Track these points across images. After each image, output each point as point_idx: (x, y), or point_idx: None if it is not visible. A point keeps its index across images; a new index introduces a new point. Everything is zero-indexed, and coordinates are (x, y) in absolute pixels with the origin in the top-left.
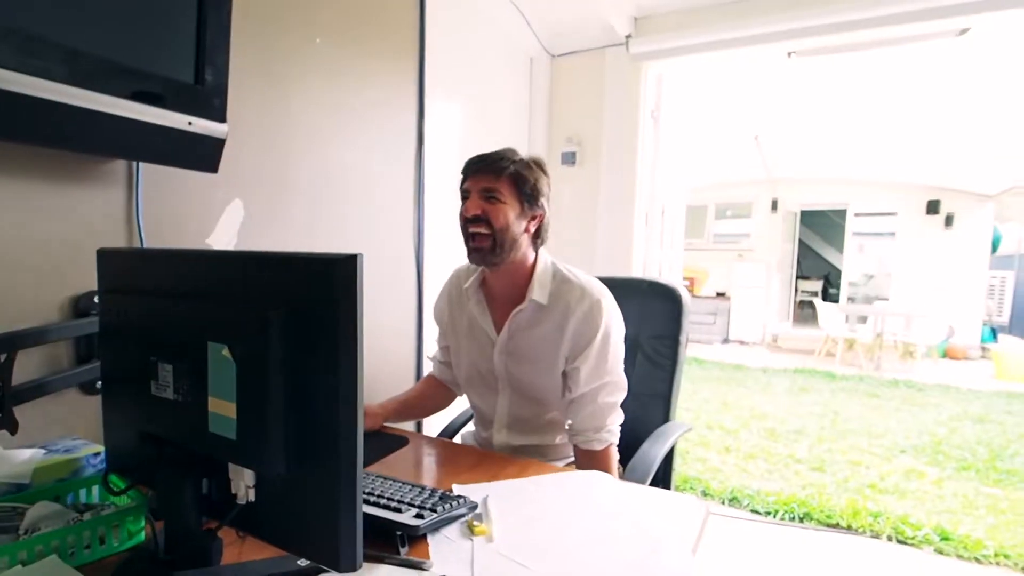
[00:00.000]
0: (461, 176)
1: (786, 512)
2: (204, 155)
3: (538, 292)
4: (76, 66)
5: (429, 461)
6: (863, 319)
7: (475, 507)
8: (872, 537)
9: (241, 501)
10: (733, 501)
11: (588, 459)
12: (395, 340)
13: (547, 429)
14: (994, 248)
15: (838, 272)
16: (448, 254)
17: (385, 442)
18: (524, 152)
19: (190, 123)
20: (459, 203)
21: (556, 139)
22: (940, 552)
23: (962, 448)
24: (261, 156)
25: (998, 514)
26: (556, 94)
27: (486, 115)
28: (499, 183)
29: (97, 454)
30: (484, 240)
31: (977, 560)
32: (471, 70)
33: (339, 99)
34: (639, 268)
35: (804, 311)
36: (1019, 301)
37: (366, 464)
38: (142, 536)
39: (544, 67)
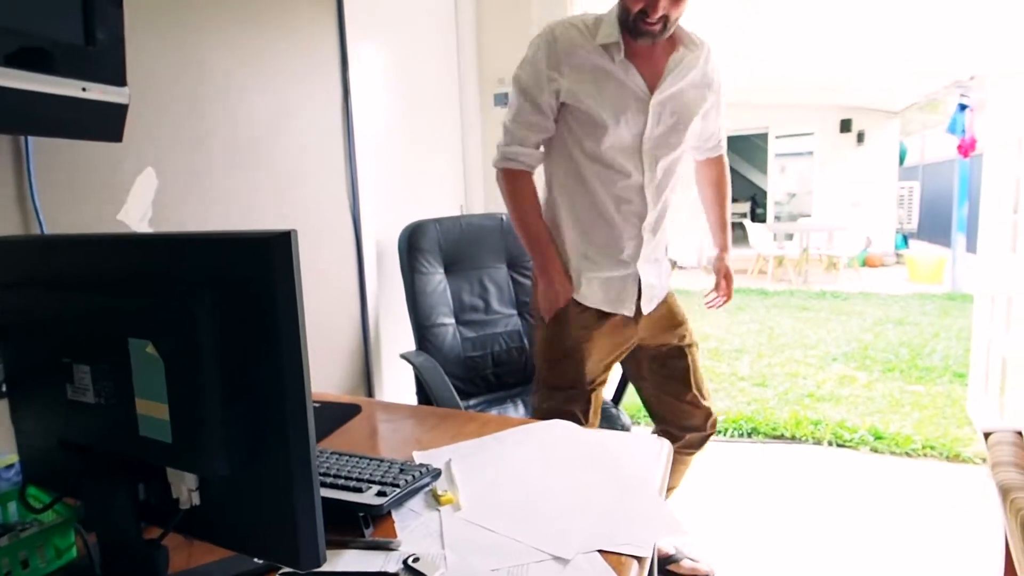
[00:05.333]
0: None
1: (735, 429)
2: (104, 123)
3: (687, 39)
4: None
5: (385, 429)
6: (789, 236)
7: (438, 474)
8: (814, 444)
9: (185, 506)
10: None
11: (720, 164)
12: (335, 312)
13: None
14: (901, 161)
15: (764, 193)
16: (389, 212)
17: (335, 413)
18: (456, 94)
19: (84, 89)
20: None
21: (487, 80)
22: (875, 451)
23: (886, 351)
24: (173, 119)
25: (922, 409)
26: (484, 34)
27: (413, 59)
28: None
29: (10, 466)
30: (656, 24)
31: (908, 454)
32: (393, 11)
33: (255, 51)
34: None
35: (735, 232)
36: (925, 208)
37: (316, 440)
38: (73, 553)
39: (469, 5)
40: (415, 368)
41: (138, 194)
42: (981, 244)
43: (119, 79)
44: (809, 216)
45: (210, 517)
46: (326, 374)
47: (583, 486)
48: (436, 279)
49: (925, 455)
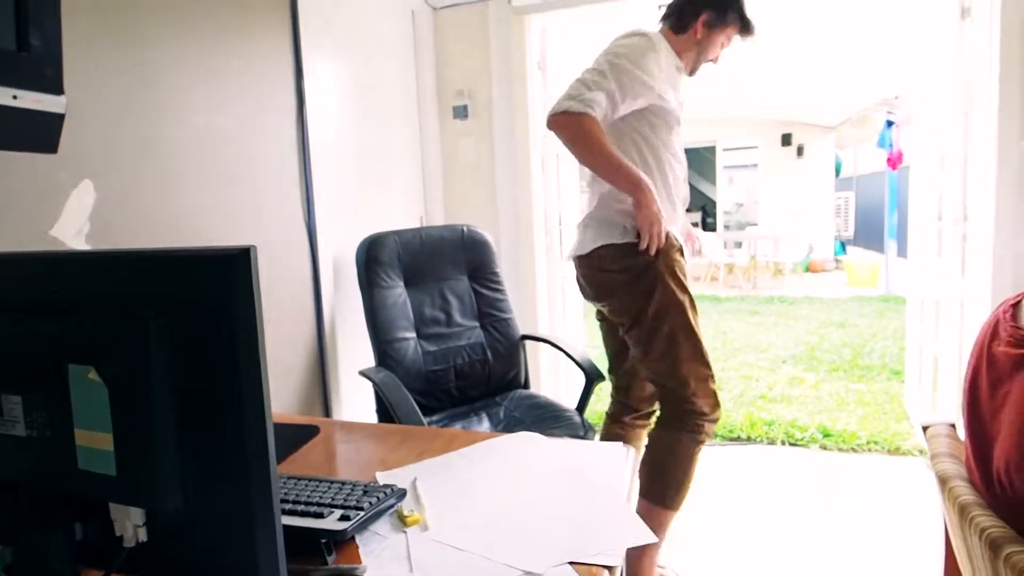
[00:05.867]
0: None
1: None
2: (38, 133)
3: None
4: None
5: (346, 449)
6: (739, 244)
7: (403, 494)
8: (768, 444)
9: (129, 543)
10: None
11: None
12: (290, 329)
13: None
14: (837, 173)
15: (713, 203)
16: (347, 225)
17: (291, 435)
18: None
19: (15, 96)
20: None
21: (446, 93)
22: (824, 448)
23: (831, 352)
24: (116, 129)
25: (865, 406)
26: (442, 48)
27: (370, 71)
28: None
29: None
30: None
31: (853, 450)
32: (350, 23)
33: (204, 59)
34: (540, 215)
35: None
36: (860, 217)
37: (280, 459)
38: None
39: (427, 20)
40: (375, 385)
41: (74, 208)
42: (911, 250)
43: (55, 87)
44: (756, 225)
45: (159, 554)
46: (280, 394)
47: (551, 498)
48: (396, 292)
49: (869, 450)
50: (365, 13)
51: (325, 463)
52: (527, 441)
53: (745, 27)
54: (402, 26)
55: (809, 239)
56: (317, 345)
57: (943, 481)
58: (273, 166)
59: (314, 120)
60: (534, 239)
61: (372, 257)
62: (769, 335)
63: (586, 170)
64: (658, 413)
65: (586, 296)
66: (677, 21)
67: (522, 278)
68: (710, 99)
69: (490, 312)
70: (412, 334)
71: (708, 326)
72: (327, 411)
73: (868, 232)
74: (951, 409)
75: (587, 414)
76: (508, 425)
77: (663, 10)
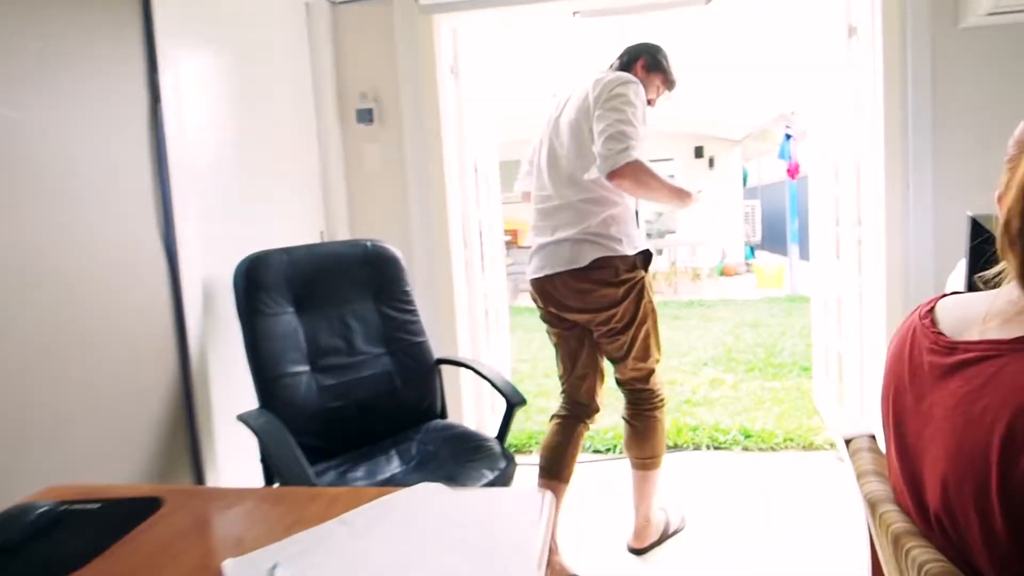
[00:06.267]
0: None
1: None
2: None
3: None
4: None
5: (192, 527)
6: (660, 251)
7: None
8: (695, 449)
9: None
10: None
11: None
12: (141, 375)
13: None
14: (744, 183)
15: (637, 213)
16: (225, 245)
17: (121, 514)
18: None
19: None
20: None
21: (348, 95)
22: (746, 449)
23: (746, 352)
24: None
25: (780, 404)
26: (342, 46)
27: (256, 68)
28: None
29: None
30: None
31: (772, 449)
32: (224, 13)
33: (13, 43)
34: (457, 228)
35: None
36: (766, 223)
37: (99, 550)
38: None
39: (324, 15)
40: (254, 432)
41: None
42: (813, 253)
43: None
44: (675, 232)
45: None
46: (126, 458)
47: (450, 567)
48: (284, 320)
49: (786, 447)
50: (244, 2)
51: (160, 551)
52: (425, 496)
53: (668, 80)
54: (295, 20)
55: (722, 245)
56: (182, 390)
57: (873, 505)
58: (105, 173)
59: (174, 121)
60: (451, 253)
61: (253, 280)
62: (691, 338)
63: (571, 190)
64: (628, 404)
65: (563, 308)
66: (624, 64)
67: (439, 296)
68: None
69: (400, 336)
70: (305, 367)
71: None
72: (198, 472)
73: (773, 237)
74: (856, 403)
75: (510, 439)
76: (421, 461)
77: (618, 58)
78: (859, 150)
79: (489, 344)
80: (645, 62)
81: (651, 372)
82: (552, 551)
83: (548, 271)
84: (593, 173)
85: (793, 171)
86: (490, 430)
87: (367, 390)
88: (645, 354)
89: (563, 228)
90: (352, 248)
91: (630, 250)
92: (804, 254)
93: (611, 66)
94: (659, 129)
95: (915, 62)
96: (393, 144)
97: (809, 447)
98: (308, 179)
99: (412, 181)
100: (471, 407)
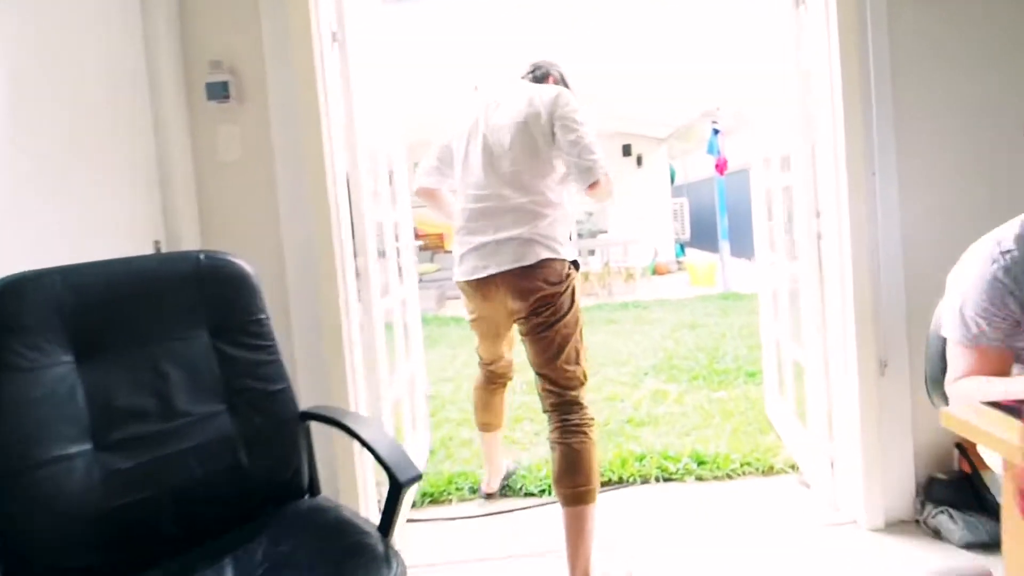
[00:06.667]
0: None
1: None
2: None
3: None
4: None
5: None
6: (592, 252)
7: None
8: (642, 483)
9: None
10: (506, 489)
11: None
12: None
13: None
14: (672, 181)
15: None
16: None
17: None
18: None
19: None
20: None
21: (195, 65)
22: (700, 479)
23: (688, 358)
24: None
25: (730, 418)
26: (186, 5)
27: (51, 24)
28: None
29: None
30: None
31: (728, 476)
32: None
33: None
34: (346, 236)
35: None
36: (694, 220)
37: None
38: None
39: None
40: None
41: None
42: (758, 249)
43: None
44: (606, 232)
45: None
46: None
47: None
48: (52, 375)
49: (744, 473)
50: None
51: None
52: None
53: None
54: None
55: (654, 243)
56: None
57: None
58: None
59: None
60: (337, 264)
61: (2, 317)
62: (628, 344)
63: (516, 191)
64: (557, 422)
65: (500, 307)
66: (538, 78)
67: (321, 322)
68: None
69: (247, 385)
70: (84, 445)
71: None
72: None
73: (703, 234)
74: (821, 421)
75: (425, 483)
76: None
77: (525, 74)
78: (813, 134)
79: (395, 371)
80: (557, 79)
81: (581, 382)
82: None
83: (492, 270)
84: (552, 180)
85: (721, 166)
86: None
87: (189, 470)
88: (576, 357)
89: (508, 228)
90: (173, 263)
91: (570, 254)
92: (736, 251)
93: (527, 77)
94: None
95: (875, 32)
96: (258, 127)
97: (769, 472)
98: (137, 173)
99: (283, 173)
100: (362, 471)
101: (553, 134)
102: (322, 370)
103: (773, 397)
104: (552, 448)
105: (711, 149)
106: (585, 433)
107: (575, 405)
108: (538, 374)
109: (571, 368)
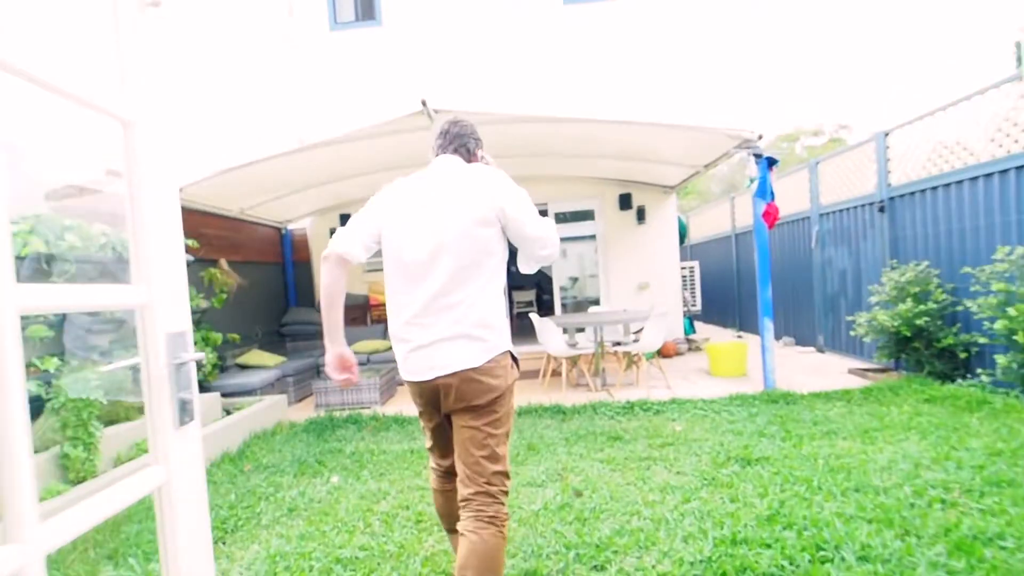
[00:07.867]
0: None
1: None
2: None
3: None
4: None
5: None
6: (581, 329)
7: None
8: None
9: None
10: None
11: None
12: None
13: None
14: (682, 239)
15: (548, 279)
16: None
17: None
18: None
19: None
20: None
21: None
22: None
23: (763, 544)
24: None
25: None
26: None
27: None
28: None
29: None
30: None
31: None
32: None
33: None
34: None
35: (524, 322)
36: (706, 288)
37: None
38: None
39: None
40: None
41: None
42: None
43: None
44: (597, 303)
45: None
46: None
47: None
48: None
49: None
50: None
51: None
52: None
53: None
54: None
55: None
56: None
57: None
58: None
59: None
60: None
61: None
62: (645, 491)
63: (454, 282)
64: (473, 510)
65: (450, 405)
66: (458, 149)
67: None
68: (537, 157)
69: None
70: None
71: (548, 475)
72: None
73: (714, 305)
74: None
75: None
76: None
77: (446, 145)
78: None
79: None
80: (476, 145)
81: (504, 472)
82: None
83: (439, 372)
84: (492, 260)
85: (773, 215)
86: None
87: None
88: (501, 458)
89: (451, 325)
90: None
91: (507, 342)
92: (788, 330)
93: (439, 149)
94: (575, 174)
95: None
96: None
97: None
98: None
99: None
100: None
101: (503, 229)
102: None
103: None
104: (464, 537)
105: (762, 190)
106: (499, 526)
107: (496, 492)
108: (465, 462)
109: (500, 463)
